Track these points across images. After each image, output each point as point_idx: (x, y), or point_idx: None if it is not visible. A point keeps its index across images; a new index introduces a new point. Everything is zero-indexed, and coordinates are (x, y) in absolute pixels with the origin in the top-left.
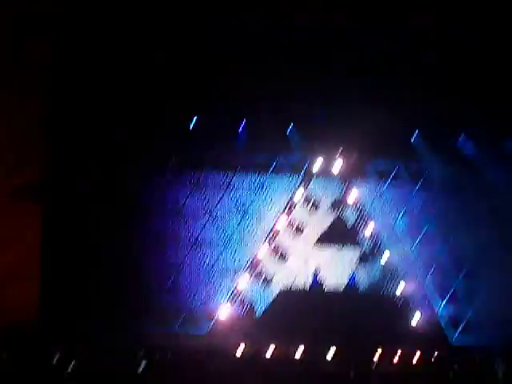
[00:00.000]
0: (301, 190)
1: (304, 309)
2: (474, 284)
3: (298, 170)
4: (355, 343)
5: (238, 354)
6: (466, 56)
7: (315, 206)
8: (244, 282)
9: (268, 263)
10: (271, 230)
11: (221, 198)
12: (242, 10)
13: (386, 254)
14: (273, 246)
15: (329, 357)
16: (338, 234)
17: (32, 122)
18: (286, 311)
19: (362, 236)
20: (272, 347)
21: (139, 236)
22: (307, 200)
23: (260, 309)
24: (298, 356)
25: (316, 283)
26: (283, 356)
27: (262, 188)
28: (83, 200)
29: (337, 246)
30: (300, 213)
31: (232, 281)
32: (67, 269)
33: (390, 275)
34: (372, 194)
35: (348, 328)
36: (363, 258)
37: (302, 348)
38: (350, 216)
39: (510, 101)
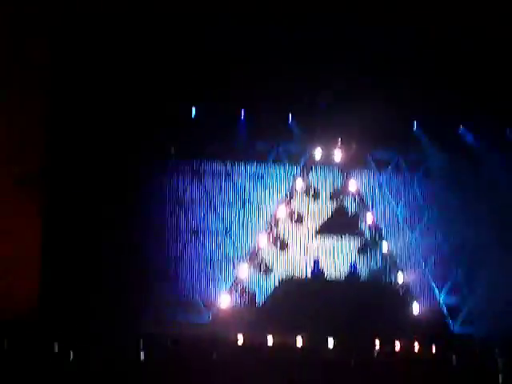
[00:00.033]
0: (301, 179)
1: (305, 297)
2: (474, 273)
3: (298, 159)
4: (356, 332)
5: (240, 342)
6: (466, 48)
7: (315, 195)
8: (245, 271)
9: (268, 252)
10: (271, 219)
11: (221, 188)
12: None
13: (387, 244)
14: (273, 235)
15: (330, 345)
16: (338, 224)
17: (32, 122)
18: (286, 300)
19: (362, 225)
20: (273, 336)
21: (139, 225)
22: (307, 190)
23: (261, 297)
24: (299, 344)
25: (317, 272)
26: (284, 344)
27: (262, 177)
28: (82, 189)
29: (337, 235)
30: (300, 202)
31: (233, 270)
32: (67, 257)
33: (390, 264)
34: (372, 184)
35: (349, 316)
36: (363, 247)
37: (302, 336)
38: (350, 205)
39: (510, 91)
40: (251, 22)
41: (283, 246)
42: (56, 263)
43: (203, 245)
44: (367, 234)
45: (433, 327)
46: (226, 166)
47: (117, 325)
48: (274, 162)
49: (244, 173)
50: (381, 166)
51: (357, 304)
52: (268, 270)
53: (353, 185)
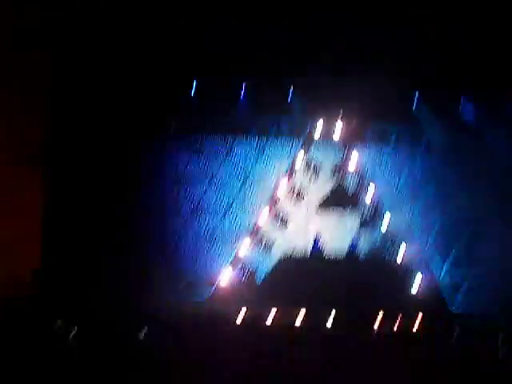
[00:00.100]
0: (302, 154)
1: (305, 274)
2: (475, 250)
3: (299, 134)
4: (356, 308)
5: (239, 320)
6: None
7: (316, 170)
8: (245, 248)
9: (269, 229)
10: (272, 195)
11: (221, 163)
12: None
13: (387, 219)
14: (274, 211)
15: (329, 322)
16: (340, 199)
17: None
18: (287, 277)
19: (363, 200)
20: (273, 313)
21: (139, 201)
22: (308, 165)
23: (261, 274)
24: (298, 321)
25: (317, 248)
26: (284, 321)
27: (263, 153)
28: (82, 166)
29: (338, 210)
30: (301, 178)
31: (233, 247)
32: (68, 233)
33: (390, 240)
34: (373, 159)
35: (349, 293)
36: (364, 223)
37: (303, 313)
38: (351, 180)
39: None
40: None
41: (284, 222)
42: (57, 240)
43: (203, 221)
44: (368, 208)
45: (433, 304)
46: (226, 141)
47: (116, 302)
48: (275, 136)
49: (244, 148)
50: (382, 140)
51: (357, 280)
52: (269, 246)
53: (354, 159)
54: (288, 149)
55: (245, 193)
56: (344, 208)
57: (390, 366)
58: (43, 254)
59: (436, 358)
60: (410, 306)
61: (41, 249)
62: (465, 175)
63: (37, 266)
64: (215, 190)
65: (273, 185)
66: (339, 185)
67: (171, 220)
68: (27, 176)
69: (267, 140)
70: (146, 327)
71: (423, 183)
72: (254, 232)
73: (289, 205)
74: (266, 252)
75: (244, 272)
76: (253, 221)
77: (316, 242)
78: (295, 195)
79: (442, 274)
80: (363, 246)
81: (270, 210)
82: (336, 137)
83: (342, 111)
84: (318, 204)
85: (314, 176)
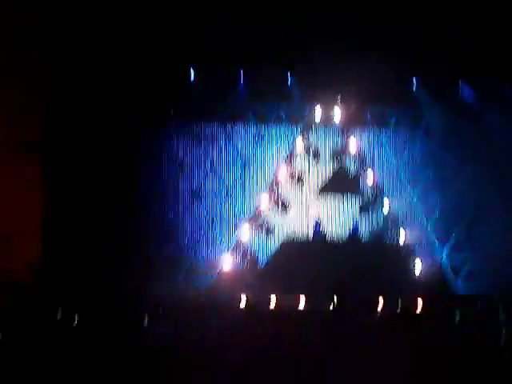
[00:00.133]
0: (301, 139)
1: (306, 259)
2: (476, 231)
3: (298, 119)
4: (357, 292)
5: (241, 305)
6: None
7: (316, 155)
8: (246, 233)
9: (269, 214)
10: (272, 180)
11: (221, 149)
12: None
13: (388, 202)
14: (274, 196)
15: (331, 306)
16: (339, 183)
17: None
18: (288, 261)
19: (363, 184)
20: (274, 298)
21: (139, 187)
22: (307, 150)
23: (262, 260)
24: (300, 306)
25: (318, 233)
26: (286, 306)
27: (262, 138)
28: (83, 153)
29: (338, 194)
30: (300, 163)
31: (234, 232)
32: (68, 221)
33: (391, 223)
34: (372, 143)
35: (351, 276)
36: (365, 207)
37: (304, 298)
38: (351, 165)
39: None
40: None
41: (284, 206)
42: (57, 228)
43: (204, 207)
44: (368, 193)
45: (435, 286)
46: (225, 127)
47: (117, 289)
48: (274, 122)
49: (244, 134)
50: (381, 124)
51: (359, 264)
52: (270, 231)
53: (353, 144)
54: (287, 134)
55: (245, 179)
56: (344, 192)
57: (392, 349)
58: (43, 245)
59: (437, 340)
60: (411, 289)
61: (41, 239)
62: (464, 158)
63: (37, 256)
64: (215, 177)
65: (272, 170)
66: (338, 169)
67: (171, 207)
68: (27, 170)
69: (266, 126)
70: (147, 315)
71: (423, 167)
72: (255, 217)
73: (289, 190)
74: (267, 237)
75: (245, 258)
76: (253, 206)
77: (316, 226)
78: (295, 180)
79: (443, 257)
80: (363, 230)
81: (270, 196)
82: (335, 122)
83: (340, 96)
84: (317, 189)
85: (313, 161)
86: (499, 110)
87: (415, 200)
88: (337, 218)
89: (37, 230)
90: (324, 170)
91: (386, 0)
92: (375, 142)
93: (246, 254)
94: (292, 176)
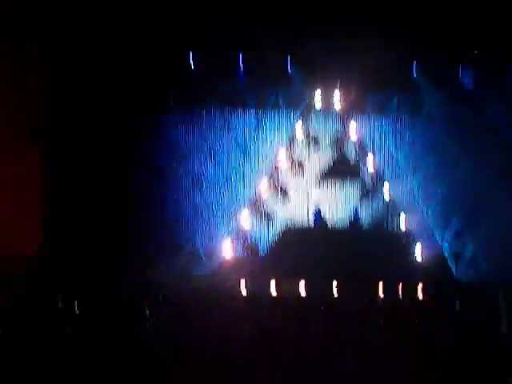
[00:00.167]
0: (300, 125)
1: (306, 245)
2: (477, 218)
3: (297, 105)
4: (358, 278)
5: (240, 292)
6: None
7: (315, 141)
8: (246, 220)
9: (269, 200)
10: (272, 166)
11: (220, 135)
12: None
13: (388, 188)
14: (274, 182)
15: (331, 292)
16: (339, 170)
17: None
18: (288, 248)
19: (363, 170)
20: (275, 285)
21: (139, 174)
22: (307, 136)
23: (262, 246)
24: (300, 292)
25: (318, 219)
26: (286, 293)
27: (262, 124)
28: (83, 139)
29: (338, 180)
30: (300, 148)
31: (234, 219)
32: (67, 209)
33: (392, 209)
34: (372, 129)
35: (351, 263)
36: (365, 193)
37: (304, 284)
38: (351, 151)
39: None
40: None
41: (284, 193)
42: (57, 214)
43: (203, 194)
44: (368, 179)
45: (435, 273)
46: (224, 113)
47: (117, 275)
48: (274, 108)
49: (243, 120)
50: (381, 110)
51: (359, 250)
52: (269, 218)
53: (353, 130)
54: (287, 121)
55: (244, 165)
56: (344, 178)
57: (392, 335)
58: (43, 232)
59: (437, 327)
60: (411, 275)
61: (40, 231)
62: (465, 145)
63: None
64: (215, 163)
65: (272, 156)
66: (339, 155)
67: (171, 192)
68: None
69: (266, 112)
70: (147, 301)
71: (423, 153)
72: (255, 203)
73: (289, 176)
74: (267, 223)
75: (245, 245)
76: (253, 192)
77: (316, 213)
78: (295, 166)
79: (444, 244)
80: (364, 217)
81: (269, 181)
82: (335, 108)
83: (340, 82)
84: (318, 174)
85: (313, 146)
86: (500, 97)
87: (416, 187)
88: (337, 204)
89: (36, 218)
90: (324, 156)
91: None
92: (375, 129)
93: (245, 241)
94: (291, 162)
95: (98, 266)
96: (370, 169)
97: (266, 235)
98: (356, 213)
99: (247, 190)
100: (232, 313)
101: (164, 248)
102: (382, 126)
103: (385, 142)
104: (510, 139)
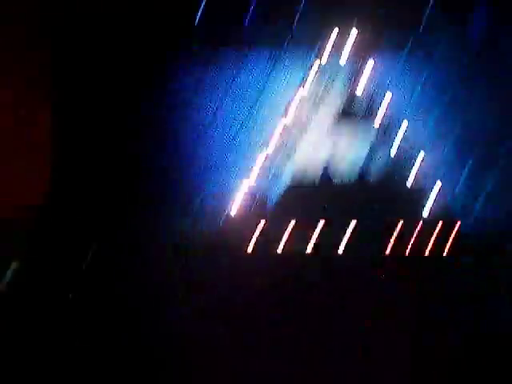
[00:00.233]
0: (316, 64)
1: (317, 198)
2: (486, 171)
3: (313, 44)
4: (368, 231)
5: (250, 249)
6: None
7: (331, 80)
8: (255, 176)
9: (282, 145)
10: (286, 107)
11: (233, 77)
12: None
13: (405, 128)
14: (288, 125)
15: (341, 248)
16: (355, 109)
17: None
18: (298, 202)
19: (378, 111)
20: (284, 242)
21: (152, 120)
22: (323, 75)
23: (272, 200)
24: (310, 248)
25: (329, 169)
26: (296, 248)
27: (276, 64)
28: (95, 80)
29: (353, 121)
30: (316, 88)
31: (245, 168)
32: (77, 162)
33: (403, 161)
34: (388, 67)
35: (360, 218)
36: (380, 135)
37: (313, 241)
38: (367, 90)
39: None
40: None
41: (298, 135)
42: (65, 168)
43: (216, 138)
44: (383, 119)
45: (444, 226)
46: (238, 53)
47: (128, 230)
48: (288, 46)
49: (257, 60)
50: (396, 50)
51: (369, 205)
52: (281, 165)
53: (369, 68)
54: (302, 59)
55: (258, 106)
56: (359, 118)
57: (400, 287)
58: (52, 184)
59: (447, 280)
60: (420, 228)
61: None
62: (480, 88)
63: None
64: (229, 104)
65: (287, 97)
66: (354, 95)
67: (180, 143)
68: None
69: (280, 50)
70: (157, 257)
71: (437, 96)
72: (267, 150)
73: (303, 117)
74: (278, 174)
75: (254, 199)
76: (266, 137)
77: (326, 168)
78: (310, 106)
79: (456, 194)
80: (377, 164)
81: (283, 124)
82: (351, 45)
83: (356, 20)
84: (333, 115)
85: (329, 86)
86: None
87: (431, 127)
88: (352, 144)
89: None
90: (340, 95)
91: None
92: (391, 67)
93: (255, 196)
94: (306, 102)
95: (106, 222)
96: (385, 108)
97: (276, 192)
98: (368, 160)
99: (261, 134)
100: (242, 268)
101: (174, 203)
102: (397, 63)
103: (401, 80)
104: None
